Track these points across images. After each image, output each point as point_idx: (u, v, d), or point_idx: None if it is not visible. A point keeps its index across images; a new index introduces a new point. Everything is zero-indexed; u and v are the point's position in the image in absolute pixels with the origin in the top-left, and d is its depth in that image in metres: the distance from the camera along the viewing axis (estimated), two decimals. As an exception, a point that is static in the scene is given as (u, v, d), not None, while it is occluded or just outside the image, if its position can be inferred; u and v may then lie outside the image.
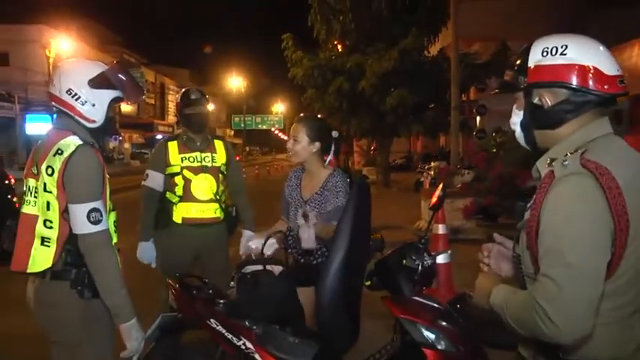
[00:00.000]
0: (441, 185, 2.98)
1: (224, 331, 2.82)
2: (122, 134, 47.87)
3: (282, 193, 3.43)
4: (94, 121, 2.50)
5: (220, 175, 4.01)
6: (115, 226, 2.56)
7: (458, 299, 2.85)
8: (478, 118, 22.74)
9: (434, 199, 2.93)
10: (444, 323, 2.67)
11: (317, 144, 3.22)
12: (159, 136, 48.74)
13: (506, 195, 9.15)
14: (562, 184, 1.54)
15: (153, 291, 3.96)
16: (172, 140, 4.02)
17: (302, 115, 3.58)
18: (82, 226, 2.32)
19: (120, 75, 2.55)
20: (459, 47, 14.17)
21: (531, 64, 1.68)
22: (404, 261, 2.77)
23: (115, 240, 2.52)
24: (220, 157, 4.03)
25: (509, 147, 9.75)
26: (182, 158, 3.91)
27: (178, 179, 3.88)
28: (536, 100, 1.69)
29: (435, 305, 2.75)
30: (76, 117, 2.47)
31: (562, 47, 1.63)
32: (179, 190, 3.88)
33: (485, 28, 22.74)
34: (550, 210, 1.54)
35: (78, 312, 2.41)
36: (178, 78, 64.07)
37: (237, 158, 4.48)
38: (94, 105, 2.47)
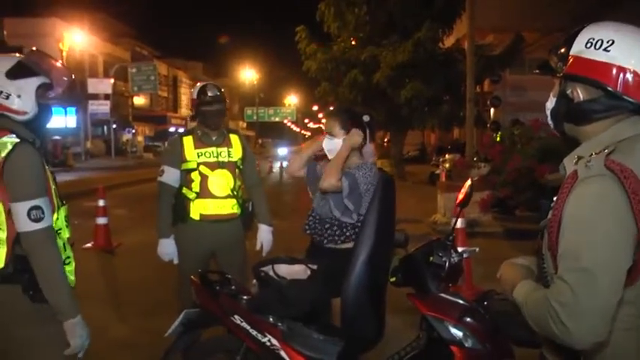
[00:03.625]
0: (468, 182, 2.94)
1: (248, 327, 2.81)
2: (135, 127, 48.17)
3: None
4: (25, 113, 2.42)
5: (237, 170, 3.94)
6: (66, 221, 2.50)
7: (484, 296, 2.82)
8: (492, 110, 22.62)
9: (461, 196, 2.90)
10: (470, 320, 2.64)
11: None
12: (172, 129, 48.89)
13: (523, 188, 9.09)
14: (584, 185, 1.47)
15: (171, 287, 3.94)
16: (187, 135, 3.94)
17: (331, 109, 3.53)
18: (23, 224, 2.27)
19: (38, 60, 2.49)
20: (473, 39, 14.04)
21: (573, 52, 1.57)
22: (431, 258, 2.74)
23: (67, 234, 2.48)
24: (237, 151, 3.96)
25: (527, 139, 9.68)
26: (198, 154, 3.83)
27: (195, 175, 3.82)
28: (568, 92, 1.60)
29: (462, 302, 2.71)
30: (6, 113, 2.40)
31: (608, 42, 1.51)
32: (196, 187, 3.82)
33: (499, 20, 22.57)
34: (571, 212, 1.48)
35: (26, 315, 2.33)
36: (191, 71, 64.31)
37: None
38: (19, 96, 2.40)
